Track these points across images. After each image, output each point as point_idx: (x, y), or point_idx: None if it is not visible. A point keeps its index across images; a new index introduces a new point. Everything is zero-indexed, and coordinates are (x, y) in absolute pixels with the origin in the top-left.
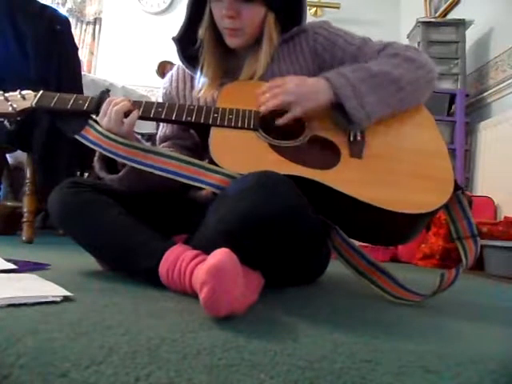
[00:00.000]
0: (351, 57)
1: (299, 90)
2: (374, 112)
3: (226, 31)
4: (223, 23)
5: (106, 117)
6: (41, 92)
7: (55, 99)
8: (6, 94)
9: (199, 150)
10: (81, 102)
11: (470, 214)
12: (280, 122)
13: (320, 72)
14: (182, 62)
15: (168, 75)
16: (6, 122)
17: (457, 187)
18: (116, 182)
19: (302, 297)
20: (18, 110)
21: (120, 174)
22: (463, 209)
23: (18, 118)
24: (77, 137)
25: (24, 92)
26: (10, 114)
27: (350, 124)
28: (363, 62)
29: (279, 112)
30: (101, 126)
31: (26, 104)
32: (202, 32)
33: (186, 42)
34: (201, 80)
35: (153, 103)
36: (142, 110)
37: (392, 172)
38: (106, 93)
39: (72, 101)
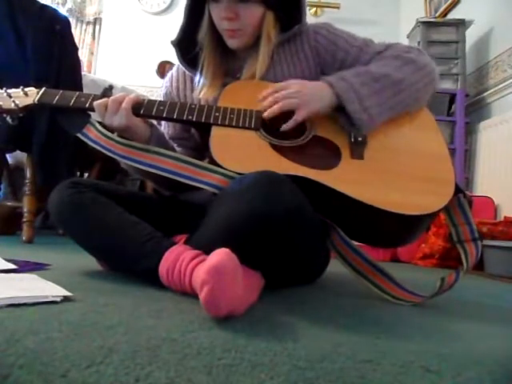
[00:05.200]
0: (353, 58)
1: (302, 95)
2: (376, 115)
3: (225, 33)
4: (222, 25)
5: (118, 116)
6: (43, 89)
7: (57, 96)
8: (9, 91)
9: (201, 150)
10: (83, 99)
11: (472, 218)
12: (285, 127)
13: (322, 73)
14: (182, 64)
15: (168, 75)
16: (8, 118)
17: (458, 190)
18: (133, 167)
19: (302, 297)
20: (20, 106)
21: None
22: (464, 213)
23: (21, 115)
24: (78, 135)
25: (27, 89)
26: (12, 110)
27: (353, 127)
28: (364, 63)
29: (284, 113)
30: (102, 125)
31: (29, 100)
32: (201, 34)
33: (185, 45)
34: (200, 81)
35: (154, 101)
36: (143, 108)
37: (393, 173)
38: (109, 90)
39: (74, 98)
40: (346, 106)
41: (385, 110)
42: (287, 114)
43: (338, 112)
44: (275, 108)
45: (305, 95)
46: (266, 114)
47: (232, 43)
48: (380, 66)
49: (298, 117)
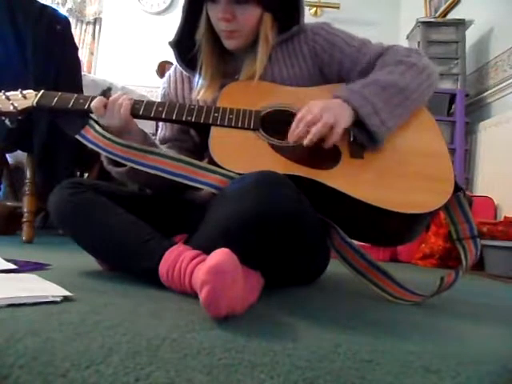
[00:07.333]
0: (351, 59)
1: (329, 112)
2: (392, 126)
3: (222, 34)
4: (219, 26)
5: (116, 118)
6: (42, 91)
7: (56, 98)
8: (8, 93)
9: (199, 151)
10: (82, 101)
11: (471, 216)
12: (326, 146)
13: (320, 73)
14: (180, 65)
15: (166, 76)
16: (7, 121)
17: (457, 188)
18: (123, 175)
19: (302, 297)
20: (19, 109)
21: (127, 167)
22: (464, 211)
23: (19, 117)
24: (77, 136)
25: (25, 91)
26: (11, 112)
27: (370, 142)
28: (363, 64)
29: (283, 112)
30: (100, 126)
31: (27, 103)
32: (199, 35)
33: (183, 46)
34: (199, 82)
35: (153, 102)
36: (142, 109)
37: (392, 172)
38: (107, 91)
39: (73, 100)
40: (364, 121)
41: (396, 119)
42: (287, 118)
43: (355, 127)
44: (313, 134)
45: (332, 112)
46: (306, 142)
47: (229, 44)
48: (385, 74)
49: (337, 135)
